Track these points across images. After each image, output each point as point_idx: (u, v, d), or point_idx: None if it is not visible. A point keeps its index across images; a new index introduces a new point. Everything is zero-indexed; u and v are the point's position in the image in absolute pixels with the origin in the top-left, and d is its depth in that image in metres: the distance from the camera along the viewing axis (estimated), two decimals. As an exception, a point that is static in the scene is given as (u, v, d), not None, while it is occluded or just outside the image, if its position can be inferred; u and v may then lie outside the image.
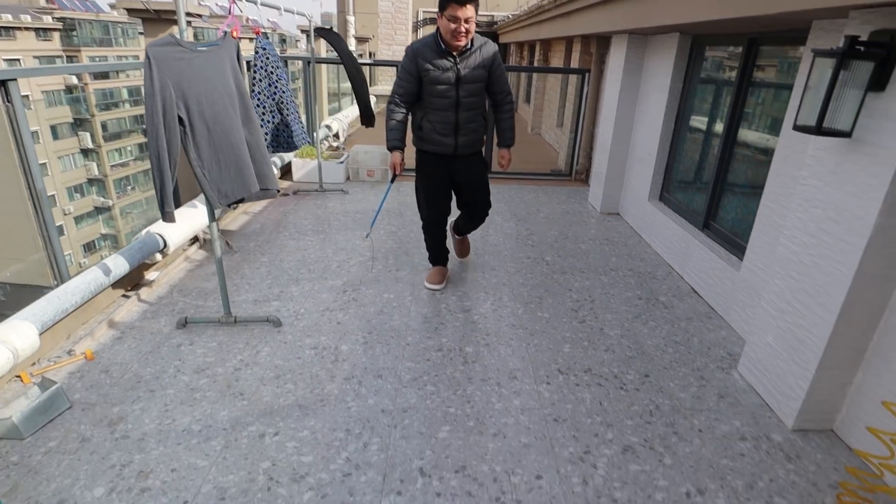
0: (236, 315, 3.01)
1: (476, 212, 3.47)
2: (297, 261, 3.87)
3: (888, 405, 1.83)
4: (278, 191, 3.05)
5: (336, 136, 7.29)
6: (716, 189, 3.49)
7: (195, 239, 4.19)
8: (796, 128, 1.99)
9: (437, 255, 3.53)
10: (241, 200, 2.85)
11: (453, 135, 3.09)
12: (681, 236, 3.72)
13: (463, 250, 3.84)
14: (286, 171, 6.12)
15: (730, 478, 2.01)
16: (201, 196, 4.05)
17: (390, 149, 3.09)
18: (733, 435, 2.24)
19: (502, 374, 2.60)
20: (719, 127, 3.54)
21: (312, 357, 2.71)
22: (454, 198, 3.44)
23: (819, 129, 1.86)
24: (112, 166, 32.57)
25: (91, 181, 31.23)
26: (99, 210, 30.82)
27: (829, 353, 2.10)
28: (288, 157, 5.98)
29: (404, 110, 3.08)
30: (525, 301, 3.34)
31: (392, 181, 3.31)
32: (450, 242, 3.65)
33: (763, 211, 2.84)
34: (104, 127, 32.27)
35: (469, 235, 3.89)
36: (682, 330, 3.04)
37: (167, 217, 2.56)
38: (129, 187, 34.15)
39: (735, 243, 3.27)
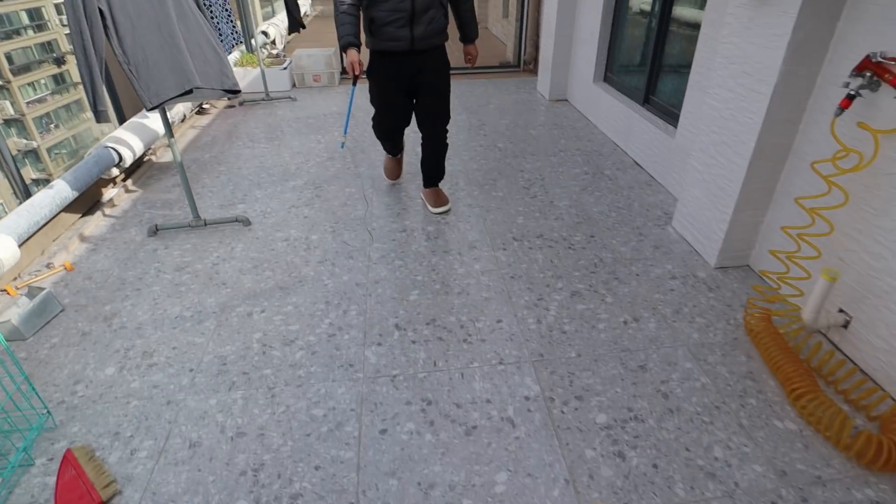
0: (205, 218, 3.17)
1: (435, 131, 3.16)
2: (256, 167, 3.99)
3: (785, 229, 2.18)
4: (238, 91, 2.93)
5: (273, 42, 7.09)
6: (654, 65, 3.71)
7: (147, 156, 4.23)
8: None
9: (394, 145, 3.41)
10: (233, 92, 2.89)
11: (409, 25, 2.73)
12: (624, 113, 3.97)
13: (439, 200, 3.27)
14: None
15: (660, 307, 2.39)
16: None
17: (344, 47, 2.78)
18: (665, 276, 2.61)
19: (463, 245, 2.89)
20: (657, 5, 3.70)
21: (285, 248, 2.93)
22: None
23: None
24: (28, 103, 30.39)
25: (7, 122, 29.23)
26: (24, 154, 29.14)
27: (744, 196, 2.43)
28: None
29: (354, 2, 2.76)
30: (480, 184, 3.58)
31: (354, 84, 3.04)
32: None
33: (693, 77, 3.09)
34: (8, 59, 29.73)
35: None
36: (625, 197, 3.36)
37: (100, 117, 2.55)
38: (52, 125, 32.01)
39: (671, 114, 3.53)
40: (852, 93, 1.89)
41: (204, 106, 5.35)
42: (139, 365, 2.17)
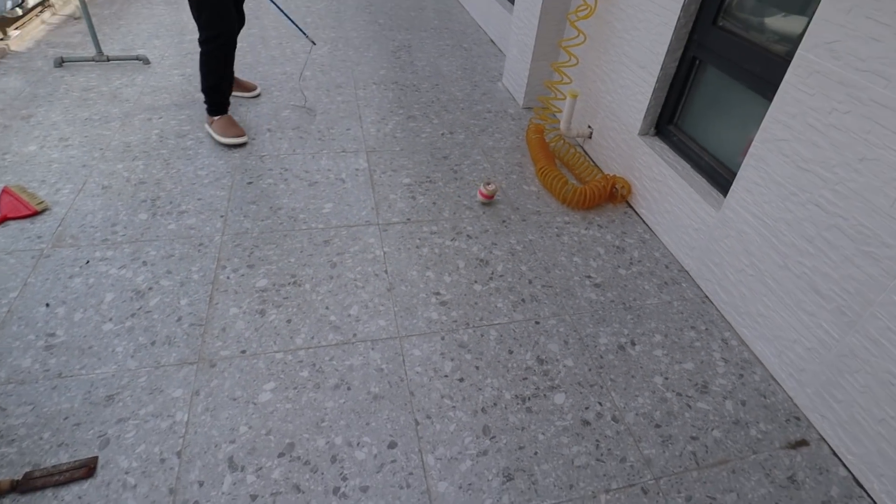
0: (108, 55, 3.87)
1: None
2: (155, 24, 4.63)
3: (552, 65, 3.23)
4: None
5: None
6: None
7: (45, 6, 4.75)
8: None
9: (227, 93, 3.14)
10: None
11: None
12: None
13: (218, 126, 3.14)
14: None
15: (472, 127, 3.43)
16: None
17: None
18: (483, 111, 3.64)
19: (331, 85, 3.79)
20: None
21: (182, 81, 3.71)
22: None
23: None
24: None
25: None
26: None
27: (537, 48, 3.46)
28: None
29: None
30: (356, 47, 4.46)
31: None
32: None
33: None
34: None
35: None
36: (473, 62, 4.35)
37: None
38: None
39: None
40: (589, -37, 2.91)
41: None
42: (57, 145, 2.96)
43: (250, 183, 2.77)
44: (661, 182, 2.58)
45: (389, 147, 3.15)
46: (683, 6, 2.38)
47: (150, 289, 2.18)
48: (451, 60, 4.33)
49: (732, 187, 2.14)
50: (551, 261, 2.44)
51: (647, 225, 2.71)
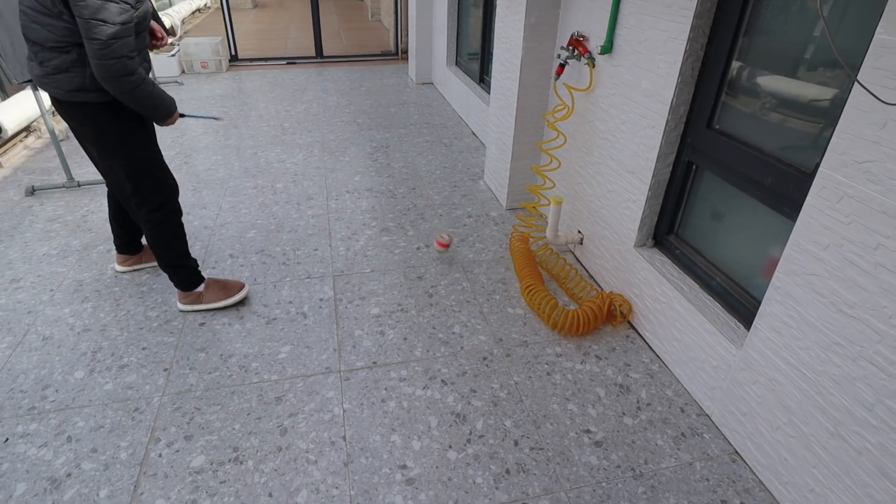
0: (79, 180, 3.52)
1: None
2: (136, 140, 4.33)
3: (533, 168, 2.81)
4: None
5: (171, 30, 7.35)
6: (483, 50, 4.34)
7: (30, 130, 4.48)
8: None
9: (190, 257, 2.41)
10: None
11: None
12: (466, 91, 4.58)
13: (188, 297, 2.43)
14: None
15: (453, 235, 2.98)
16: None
17: (172, 112, 2.12)
18: (463, 216, 3.20)
19: (302, 197, 3.39)
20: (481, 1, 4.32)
21: (149, 202, 3.33)
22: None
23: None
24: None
25: None
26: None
27: (516, 147, 3.06)
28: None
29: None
30: (332, 150, 4.10)
31: (187, 115, 2.48)
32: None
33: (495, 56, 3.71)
34: None
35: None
36: (454, 160, 3.96)
37: None
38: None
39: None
40: (562, 62, 2.53)
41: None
42: (6, 288, 2.54)
43: (202, 324, 2.32)
44: (665, 304, 2.08)
45: (359, 268, 2.70)
46: (671, 107, 1.95)
47: (69, 475, 1.70)
48: (430, 159, 3.95)
49: (756, 323, 1.64)
50: (541, 411, 1.92)
51: (654, 352, 2.20)
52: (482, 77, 4.43)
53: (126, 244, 2.62)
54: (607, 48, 2.28)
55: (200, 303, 2.41)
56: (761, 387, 1.64)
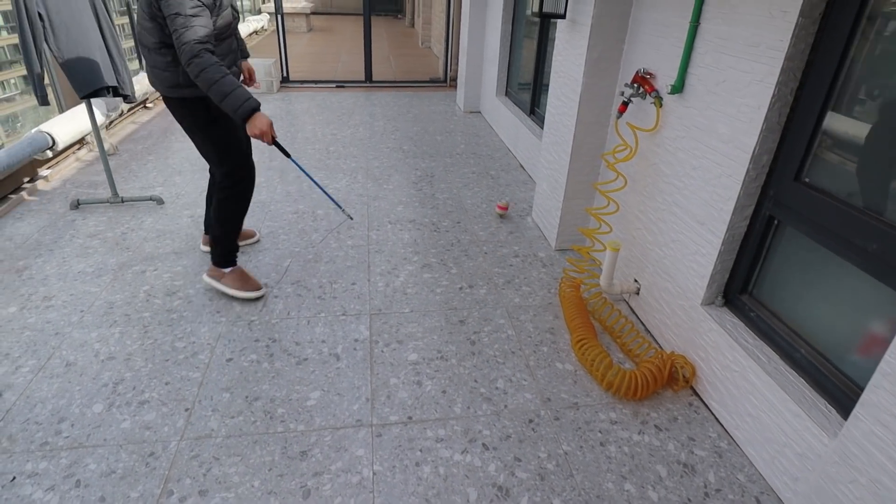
0: (123, 196, 3.47)
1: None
2: (182, 158, 4.30)
3: (588, 210, 2.60)
4: (127, 96, 3.26)
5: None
6: (536, 82, 4.17)
7: (83, 143, 4.51)
8: (532, 13, 2.64)
9: (237, 242, 2.64)
10: (126, 97, 3.26)
11: (237, 63, 2.46)
12: (515, 122, 4.41)
13: (226, 279, 2.60)
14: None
15: (495, 278, 2.78)
16: (97, 102, 4.34)
17: (252, 110, 2.12)
18: (509, 255, 3.00)
19: (343, 227, 3.25)
20: (537, 31, 4.16)
21: (189, 223, 3.25)
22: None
23: (541, 13, 2.51)
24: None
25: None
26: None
27: (570, 186, 2.85)
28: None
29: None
30: (375, 178, 3.97)
31: (287, 153, 2.46)
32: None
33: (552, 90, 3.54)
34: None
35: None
36: (500, 192, 3.78)
37: (41, 100, 2.94)
38: (19, 124, 31.54)
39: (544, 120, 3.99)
40: (626, 100, 2.33)
41: (148, 105, 5.65)
42: (38, 306, 2.46)
43: (230, 360, 2.17)
44: (737, 373, 1.83)
45: (398, 308, 2.52)
46: (753, 156, 1.73)
47: (73, 528, 1.55)
48: (475, 191, 3.78)
49: (856, 412, 1.39)
50: (595, 489, 1.68)
51: (721, 426, 1.94)
52: (533, 109, 4.26)
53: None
54: (678, 87, 2.08)
55: (219, 283, 2.59)
56: (861, 488, 1.38)
